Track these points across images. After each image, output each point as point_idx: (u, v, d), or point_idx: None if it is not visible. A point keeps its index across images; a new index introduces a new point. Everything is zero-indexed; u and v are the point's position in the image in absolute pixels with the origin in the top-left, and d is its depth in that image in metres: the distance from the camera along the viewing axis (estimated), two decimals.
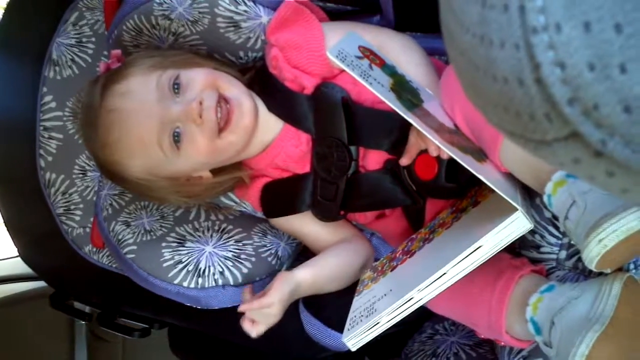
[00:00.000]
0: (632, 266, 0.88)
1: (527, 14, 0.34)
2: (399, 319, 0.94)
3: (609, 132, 0.34)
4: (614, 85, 0.33)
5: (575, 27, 0.33)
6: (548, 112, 0.35)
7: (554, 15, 0.33)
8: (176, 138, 1.06)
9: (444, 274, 0.91)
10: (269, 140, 1.14)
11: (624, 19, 0.32)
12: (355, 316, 1.01)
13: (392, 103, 0.92)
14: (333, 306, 1.18)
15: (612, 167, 0.35)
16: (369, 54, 1.02)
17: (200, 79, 1.08)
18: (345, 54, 0.97)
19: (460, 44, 0.40)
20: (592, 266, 0.78)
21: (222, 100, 1.06)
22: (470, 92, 0.42)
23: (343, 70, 1.07)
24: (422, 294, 0.92)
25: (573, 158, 0.36)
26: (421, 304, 0.94)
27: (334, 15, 1.18)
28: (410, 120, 0.91)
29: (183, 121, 1.05)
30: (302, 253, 1.35)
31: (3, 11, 1.42)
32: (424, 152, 1.05)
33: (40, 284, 1.73)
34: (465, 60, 0.40)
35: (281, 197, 1.18)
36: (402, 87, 1.00)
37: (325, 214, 1.16)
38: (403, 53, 1.08)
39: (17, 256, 1.59)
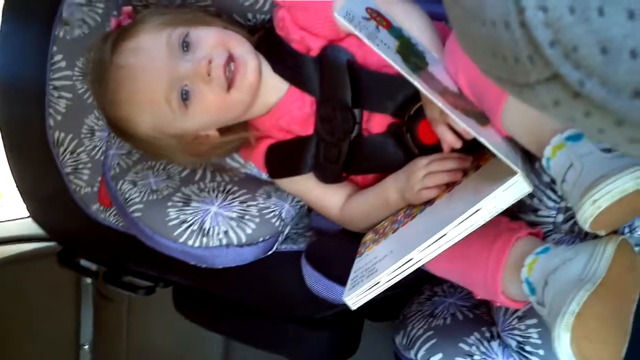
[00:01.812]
0: (626, 230, 0.89)
1: None
2: (399, 279, 0.96)
3: (587, 72, 0.35)
4: (592, 27, 0.34)
5: None
6: (531, 54, 0.36)
7: None
8: (184, 96, 1.07)
9: (444, 235, 0.92)
10: (274, 101, 1.16)
11: None
12: (356, 276, 1.02)
13: (398, 65, 0.93)
14: (334, 259, 1.20)
15: (589, 107, 0.36)
16: (376, 16, 1.02)
17: (209, 38, 1.09)
18: (352, 15, 0.98)
19: None
20: (586, 227, 0.79)
21: (231, 59, 1.08)
22: (462, 39, 0.43)
23: (349, 34, 1.08)
24: (422, 255, 0.94)
25: (554, 100, 0.38)
26: (420, 265, 0.95)
27: None
28: (415, 83, 0.92)
29: (191, 79, 1.07)
30: (307, 215, 1.37)
31: None
32: None
33: (49, 244, 1.75)
34: (459, 7, 0.41)
35: (285, 158, 1.20)
36: (408, 50, 1.00)
37: (327, 176, 1.17)
38: (407, 19, 1.08)
39: (27, 217, 1.61)
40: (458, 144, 1.02)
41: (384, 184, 1.13)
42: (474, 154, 1.05)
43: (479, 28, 0.39)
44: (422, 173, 1.05)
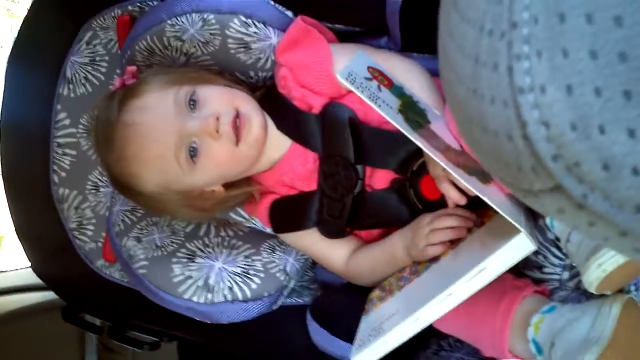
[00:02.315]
0: (633, 288, 0.89)
1: (515, 74, 0.36)
2: (407, 339, 0.96)
3: (590, 187, 0.36)
4: (594, 145, 0.34)
5: (558, 89, 0.35)
6: (535, 166, 0.37)
7: (540, 78, 0.35)
8: (192, 153, 1.08)
9: (450, 295, 0.92)
10: (277, 158, 1.17)
11: (603, 84, 0.34)
12: (364, 336, 1.02)
13: (400, 125, 0.93)
14: (340, 315, 1.20)
15: (593, 218, 0.37)
16: (378, 75, 1.03)
17: (216, 96, 1.10)
18: (354, 77, 0.98)
19: (456, 94, 0.42)
20: (593, 290, 0.80)
21: (238, 116, 1.09)
22: (465, 138, 0.44)
23: (351, 91, 1.09)
24: (429, 315, 0.93)
25: (558, 208, 0.38)
26: (428, 324, 0.95)
27: (343, 36, 1.20)
28: (418, 143, 0.93)
29: (200, 136, 1.07)
30: (312, 269, 1.37)
31: (20, 25, 1.43)
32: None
33: (51, 295, 1.75)
34: (461, 110, 0.42)
35: (289, 214, 1.20)
36: (410, 109, 1.01)
37: (331, 231, 1.18)
38: (408, 79, 1.09)
39: (29, 267, 1.61)
40: (463, 201, 1.02)
41: (391, 241, 1.13)
42: (478, 210, 1.06)
43: (482, 135, 0.39)
44: (427, 230, 1.05)
